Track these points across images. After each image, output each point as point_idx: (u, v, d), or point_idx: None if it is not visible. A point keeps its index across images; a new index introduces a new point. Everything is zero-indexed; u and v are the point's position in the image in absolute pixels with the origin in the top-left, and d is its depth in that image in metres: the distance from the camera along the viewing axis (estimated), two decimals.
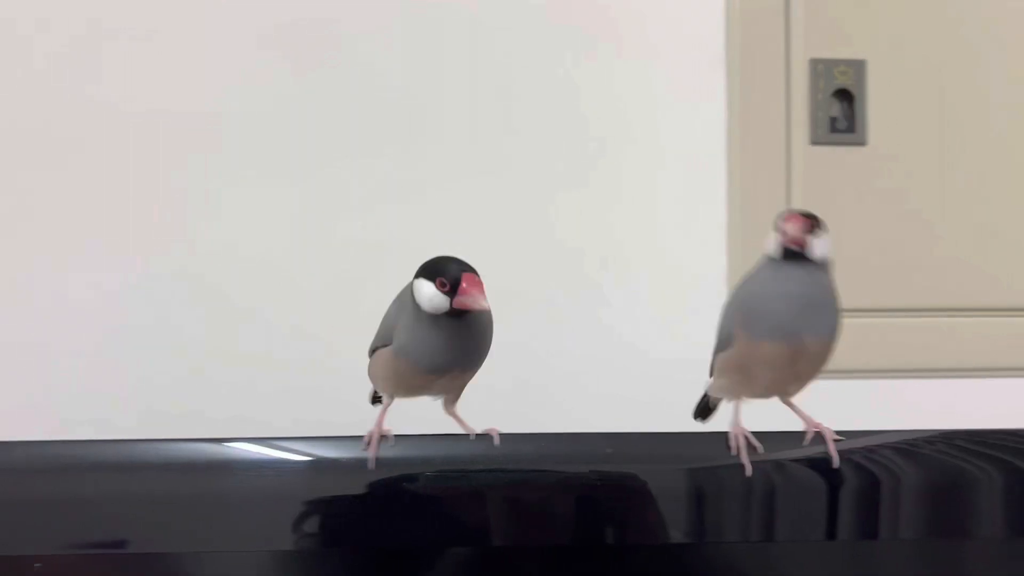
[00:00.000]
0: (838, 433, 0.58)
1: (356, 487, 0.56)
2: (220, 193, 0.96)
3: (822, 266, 0.59)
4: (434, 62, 0.98)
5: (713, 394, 0.64)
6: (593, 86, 0.99)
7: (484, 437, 0.58)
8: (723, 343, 0.61)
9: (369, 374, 0.64)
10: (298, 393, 0.93)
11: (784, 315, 0.57)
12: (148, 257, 0.95)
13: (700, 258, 0.99)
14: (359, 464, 0.55)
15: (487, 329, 0.60)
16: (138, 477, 0.57)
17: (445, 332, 0.57)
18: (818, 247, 0.58)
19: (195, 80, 0.96)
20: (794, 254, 0.58)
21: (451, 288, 0.55)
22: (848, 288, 0.97)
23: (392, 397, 0.63)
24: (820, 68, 0.99)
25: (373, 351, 0.63)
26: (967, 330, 1.00)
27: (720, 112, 1.00)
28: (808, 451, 0.58)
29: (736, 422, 0.58)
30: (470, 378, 0.61)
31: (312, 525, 0.56)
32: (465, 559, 0.56)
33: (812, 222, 0.58)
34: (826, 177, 0.99)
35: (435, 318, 0.57)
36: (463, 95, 0.98)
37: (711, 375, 0.65)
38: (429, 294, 0.56)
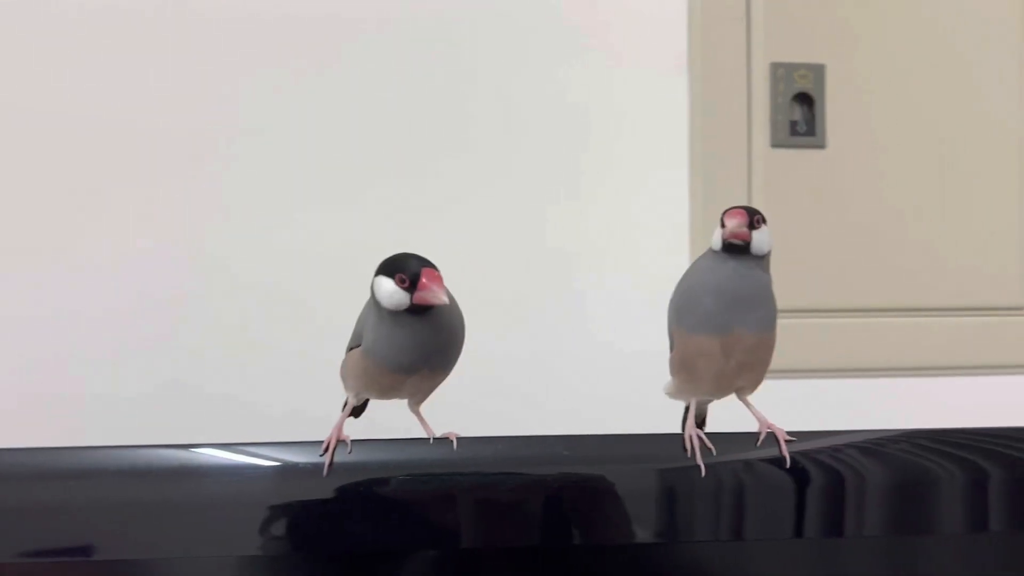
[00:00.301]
0: (791, 433, 0.59)
1: (315, 492, 0.56)
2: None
3: (760, 260, 0.60)
4: (406, 64, 0.99)
5: (670, 396, 0.65)
6: (556, 91, 1.00)
7: (443, 440, 0.58)
8: (670, 342, 0.62)
9: (341, 374, 0.64)
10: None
11: (713, 308, 0.58)
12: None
13: (664, 259, 1.00)
14: (319, 469, 0.56)
15: (457, 329, 0.60)
16: (99, 483, 0.56)
17: (410, 330, 0.57)
18: (759, 241, 0.59)
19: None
20: (735, 248, 0.59)
21: (411, 284, 0.55)
22: (805, 288, 1.00)
23: (357, 399, 0.63)
24: (780, 72, 1.01)
25: (349, 352, 0.63)
26: (928, 329, 1.02)
27: (683, 116, 1.01)
28: (762, 452, 0.59)
29: (690, 424, 0.59)
30: (442, 379, 0.61)
31: (272, 530, 0.56)
32: (423, 562, 0.57)
33: (753, 216, 0.59)
34: (786, 179, 1.00)
35: (399, 316, 0.57)
36: (432, 102, 0.99)
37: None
38: (389, 290, 0.56)
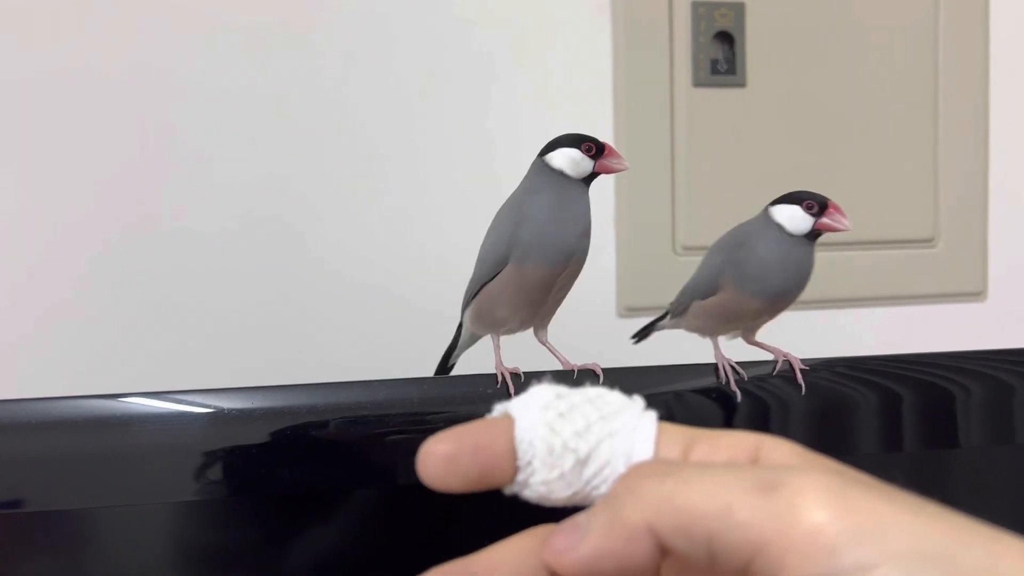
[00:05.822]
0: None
1: (248, 437, 0.56)
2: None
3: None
4: None
5: (688, 330, 0.69)
6: (476, 31, 0.98)
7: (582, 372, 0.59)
8: (704, 291, 0.65)
9: (476, 317, 0.63)
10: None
11: (770, 279, 0.64)
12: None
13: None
14: (248, 415, 0.55)
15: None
16: (31, 435, 0.55)
17: (568, 211, 0.60)
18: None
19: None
20: (812, 233, 0.68)
21: (596, 152, 0.61)
22: (726, 226, 1.02)
23: (499, 334, 0.63)
24: (702, 11, 1.01)
25: (473, 296, 0.62)
26: (843, 263, 1.06)
27: (607, 56, 1.01)
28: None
29: (719, 354, 0.63)
30: (575, 276, 0.62)
31: (208, 475, 0.56)
32: (368, 501, 0.57)
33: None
34: (708, 118, 1.02)
35: (553, 203, 0.60)
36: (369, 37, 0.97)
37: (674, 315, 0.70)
38: (576, 158, 0.61)
